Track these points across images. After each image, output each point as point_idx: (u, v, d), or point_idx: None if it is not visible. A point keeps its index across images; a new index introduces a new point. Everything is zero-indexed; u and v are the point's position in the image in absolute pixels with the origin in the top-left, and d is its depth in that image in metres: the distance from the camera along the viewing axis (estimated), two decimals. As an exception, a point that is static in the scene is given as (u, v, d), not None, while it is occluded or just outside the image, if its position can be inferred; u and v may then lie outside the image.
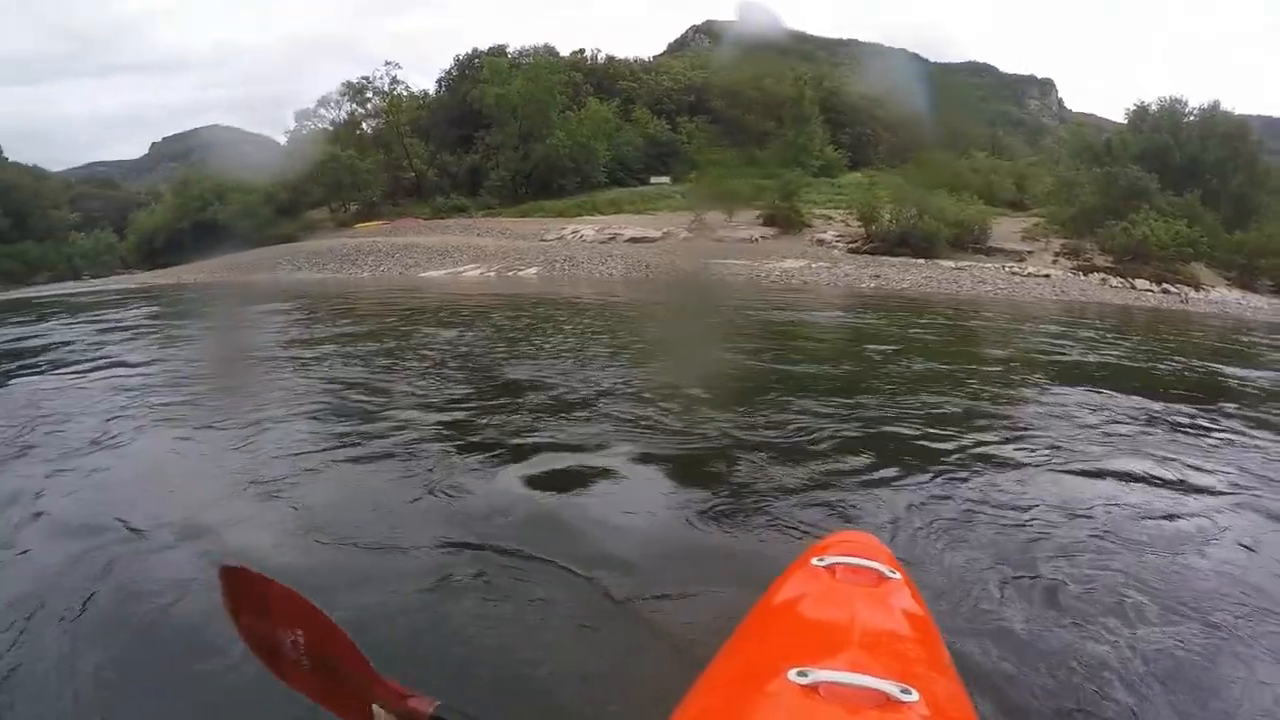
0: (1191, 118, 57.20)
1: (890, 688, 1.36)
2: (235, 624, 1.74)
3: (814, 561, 2.08)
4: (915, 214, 41.87)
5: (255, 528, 4.16)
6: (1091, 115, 79.76)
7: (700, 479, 5.03)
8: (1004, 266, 38.51)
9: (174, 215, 64.46)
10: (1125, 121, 61.38)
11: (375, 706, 1.52)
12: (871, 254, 39.44)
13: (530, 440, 5.82)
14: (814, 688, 1.38)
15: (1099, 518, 4.47)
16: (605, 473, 5.14)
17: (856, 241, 42.06)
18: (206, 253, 44.75)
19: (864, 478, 5.06)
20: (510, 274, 32.27)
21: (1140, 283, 39.21)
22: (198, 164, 73.07)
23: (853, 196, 49.29)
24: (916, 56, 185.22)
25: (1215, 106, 57.26)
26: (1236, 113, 57.51)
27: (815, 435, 6.11)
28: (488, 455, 5.49)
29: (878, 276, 31.57)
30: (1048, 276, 37.69)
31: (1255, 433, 7.06)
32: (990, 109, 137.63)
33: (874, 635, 1.68)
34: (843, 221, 46.17)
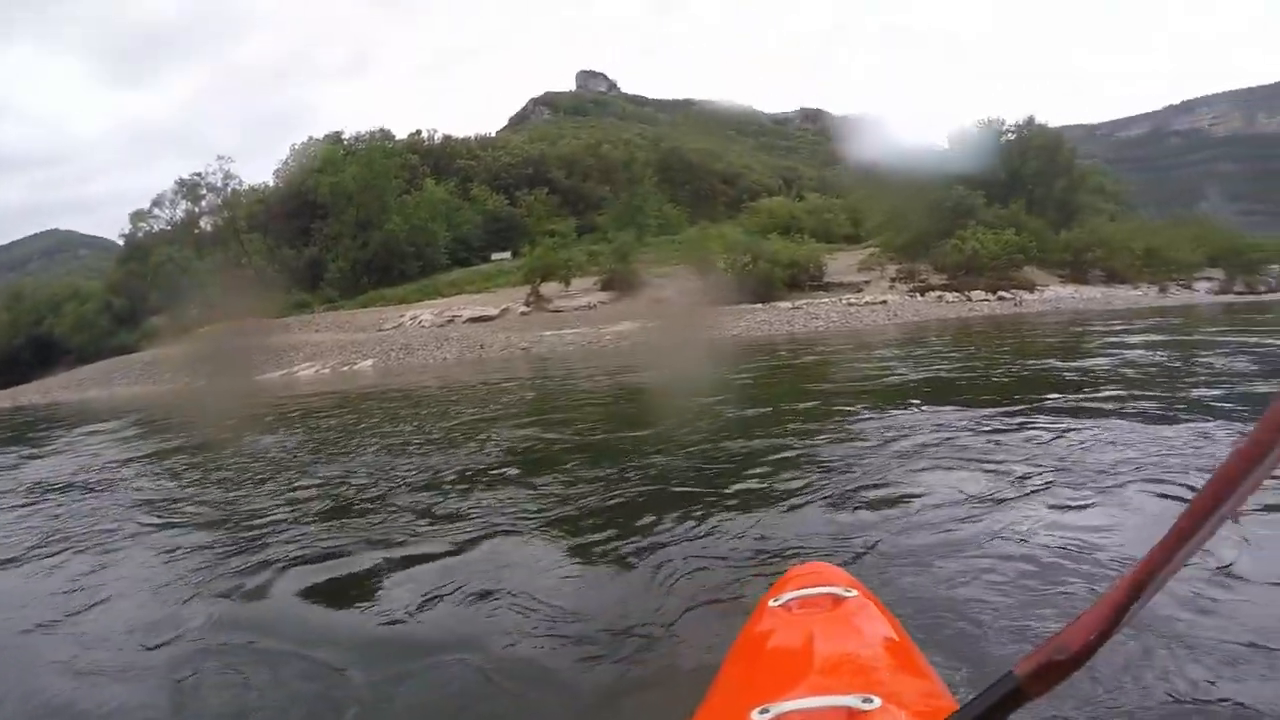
0: (1010, 135, 60.14)
1: (851, 701, 1.32)
2: None
3: (771, 603, 1.97)
4: (749, 260, 41.74)
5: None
6: (928, 144, 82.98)
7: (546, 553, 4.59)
8: (841, 299, 38.38)
9: (8, 331, 61.06)
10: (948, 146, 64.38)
11: None
12: (711, 305, 39.02)
13: (312, 549, 5.07)
14: None
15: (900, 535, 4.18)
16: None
17: (695, 296, 41.71)
18: (46, 369, 42.87)
19: (621, 546, 4.55)
20: (346, 369, 30.60)
21: (976, 294, 39.73)
22: (34, 273, 69.49)
23: (688, 251, 49.17)
24: (751, 109, 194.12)
25: (1030, 121, 60.50)
26: (1051, 125, 60.92)
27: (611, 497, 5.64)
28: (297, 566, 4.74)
29: (711, 326, 30.92)
30: (884, 302, 37.57)
31: (1074, 421, 6.98)
32: (824, 149, 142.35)
33: (833, 657, 1.60)
34: (682, 277, 45.92)
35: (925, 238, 45.69)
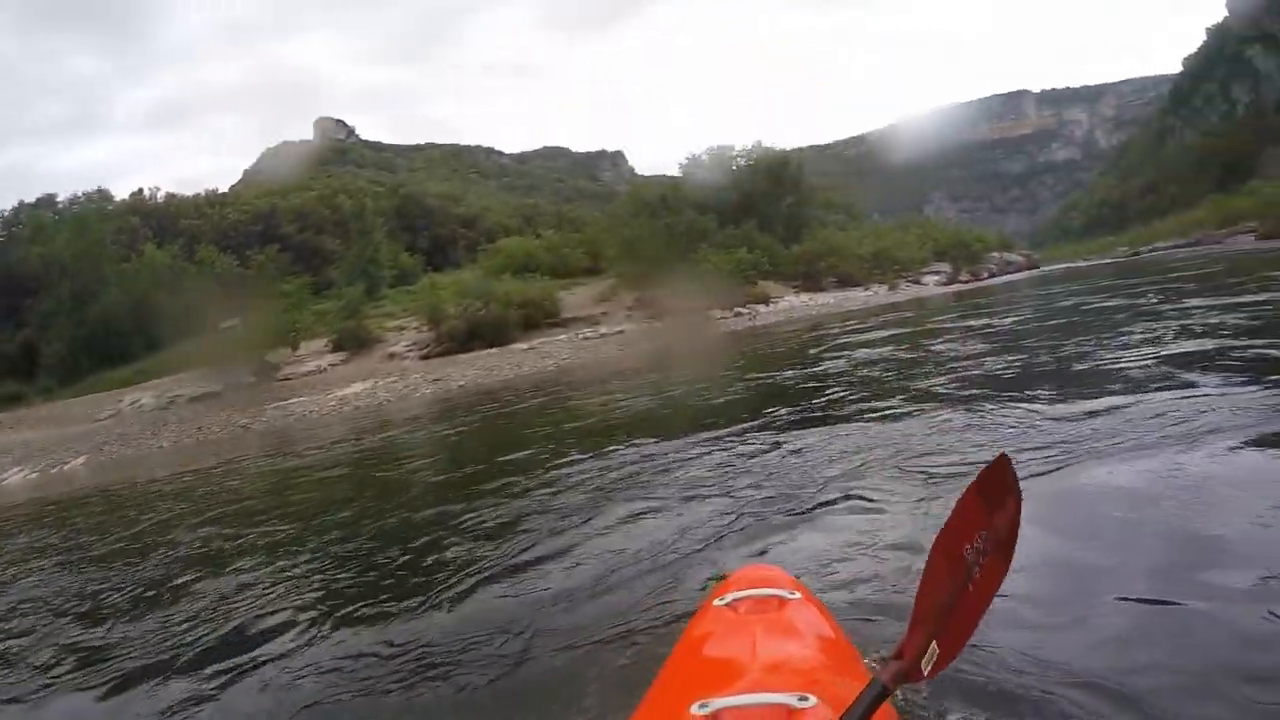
0: (740, 160, 61.78)
1: (788, 699, 1.38)
2: None
3: (716, 602, 2.05)
4: (480, 304, 39.57)
5: None
6: (663, 175, 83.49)
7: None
8: (577, 334, 36.55)
9: None
10: (681, 174, 65.10)
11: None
12: (444, 355, 36.26)
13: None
14: (715, 716, 1.40)
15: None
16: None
17: (428, 346, 38.84)
18: None
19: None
20: (55, 470, 25.97)
21: (714, 313, 38.94)
22: None
23: (418, 301, 46.43)
24: (492, 150, 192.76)
25: (759, 145, 62.30)
26: (779, 147, 62.78)
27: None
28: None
29: (438, 380, 28.31)
30: (621, 332, 35.99)
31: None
32: (566, 186, 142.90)
33: (774, 656, 1.68)
34: (415, 329, 42.83)
35: (662, 264, 44.90)
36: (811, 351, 16.92)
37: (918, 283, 53.49)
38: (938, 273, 57.50)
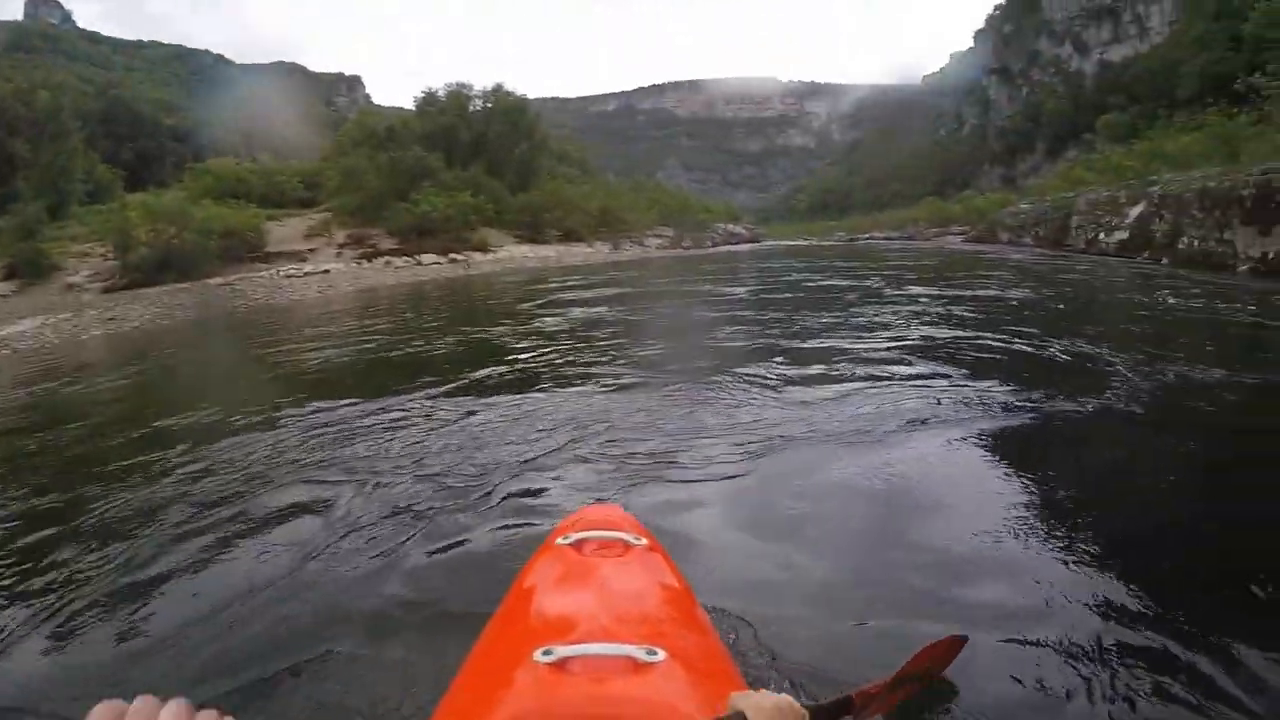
0: (478, 100, 59.37)
1: (636, 651, 1.36)
2: None
3: (559, 541, 1.98)
4: (175, 232, 35.37)
5: None
6: (400, 108, 79.28)
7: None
8: (278, 271, 33.61)
9: None
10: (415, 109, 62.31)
11: None
12: (130, 288, 31.63)
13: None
14: (560, 664, 1.35)
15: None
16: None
17: (112, 278, 34.24)
18: None
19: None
20: None
21: (427, 257, 37.01)
22: None
23: (104, 224, 40.80)
24: (222, 59, 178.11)
25: (499, 88, 59.66)
26: (520, 92, 60.87)
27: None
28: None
29: (113, 319, 24.17)
30: (326, 272, 33.35)
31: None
32: (296, 108, 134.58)
33: (620, 603, 1.65)
34: (101, 256, 37.79)
35: (381, 200, 42.53)
36: (525, 306, 16.50)
37: (641, 244, 53.60)
38: (662, 236, 57.96)
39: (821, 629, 2.74)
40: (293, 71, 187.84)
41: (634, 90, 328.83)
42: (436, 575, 3.37)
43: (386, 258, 36.50)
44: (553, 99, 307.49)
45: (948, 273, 21.71)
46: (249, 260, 35.74)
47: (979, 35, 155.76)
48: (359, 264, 35.58)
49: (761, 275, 23.75)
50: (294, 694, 2.59)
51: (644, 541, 2.00)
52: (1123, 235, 22.28)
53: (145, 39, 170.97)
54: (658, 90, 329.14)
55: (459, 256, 38.01)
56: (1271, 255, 14.76)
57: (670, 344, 9.68)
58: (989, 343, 8.42)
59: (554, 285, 22.10)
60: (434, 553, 3.56)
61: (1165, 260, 18.72)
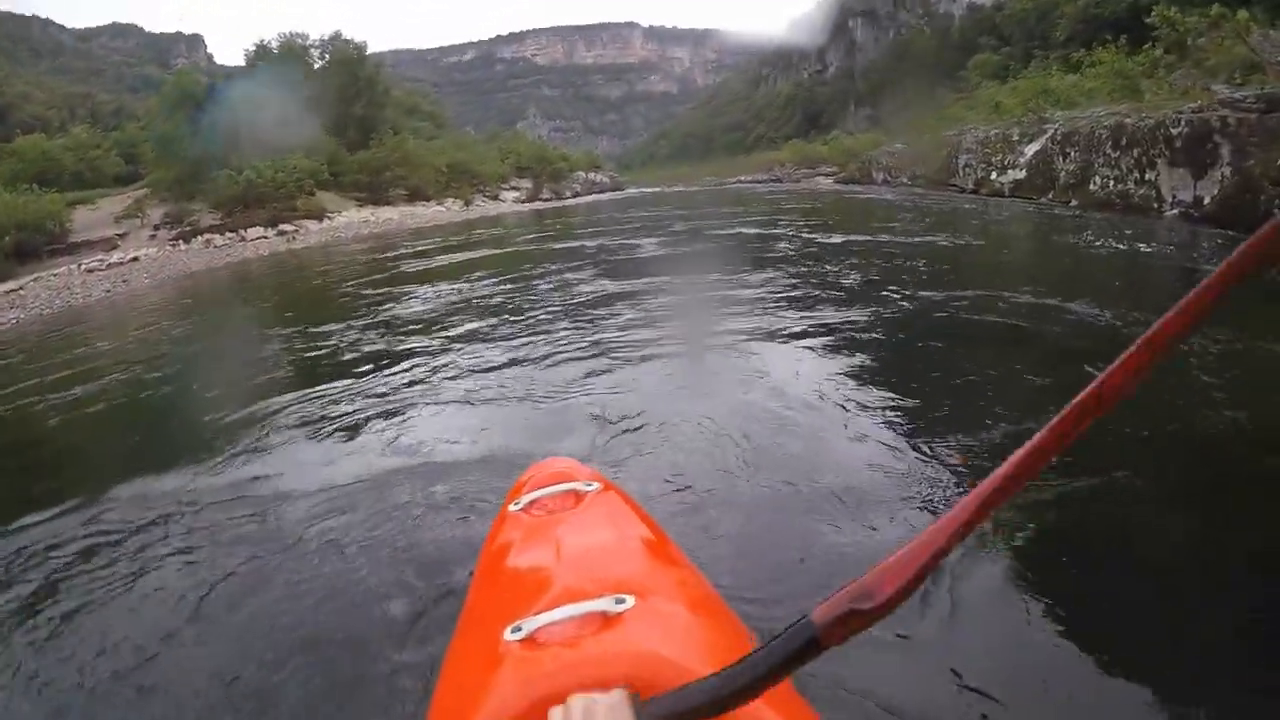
0: (315, 50, 54.94)
1: (604, 604, 1.31)
2: None
3: (511, 508, 1.96)
4: None
5: None
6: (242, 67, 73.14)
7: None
8: (79, 265, 28.86)
9: None
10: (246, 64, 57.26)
11: None
12: None
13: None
14: (532, 638, 1.30)
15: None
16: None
17: None
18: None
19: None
20: None
21: (252, 231, 33.17)
22: None
23: None
24: (50, 23, 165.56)
25: (337, 36, 55.30)
26: (359, 41, 56.40)
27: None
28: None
29: None
30: (135, 260, 29.10)
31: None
32: (132, 73, 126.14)
33: (580, 558, 1.60)
34: None
35: (201, 169, 37.86)
36: (351, 287, 14.36)
37: (495, 199, 50.73)
38: (518, 189, 55.02)
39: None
40: (128, 33, 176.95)
41: (493, 39, 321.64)
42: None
43: (206, 236, 32.47)
44: (406, 50, 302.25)
45: (838, 217, 20.80)
46: (48, 255, 31.03)
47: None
48: (174, 246, 31.34)
49: (634, 227, 21.45)
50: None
51: (595, 485, 1.93)
52: (1018, 175, 20.86)
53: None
54: (517, 39, 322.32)
55: (289, 227, 34.14)
56: (1208, 200, 12.89)
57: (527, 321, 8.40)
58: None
59: (392, 256, 19.85)
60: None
61: (1074, 202, 17.30)
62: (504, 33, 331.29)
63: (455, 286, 12.19)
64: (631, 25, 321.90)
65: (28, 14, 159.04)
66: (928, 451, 3.65)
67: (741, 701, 0.84)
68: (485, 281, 12.50)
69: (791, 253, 12.88)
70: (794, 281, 9.38)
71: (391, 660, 2.53)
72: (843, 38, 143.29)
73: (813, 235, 15.25)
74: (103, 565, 3.60)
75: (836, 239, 14.61)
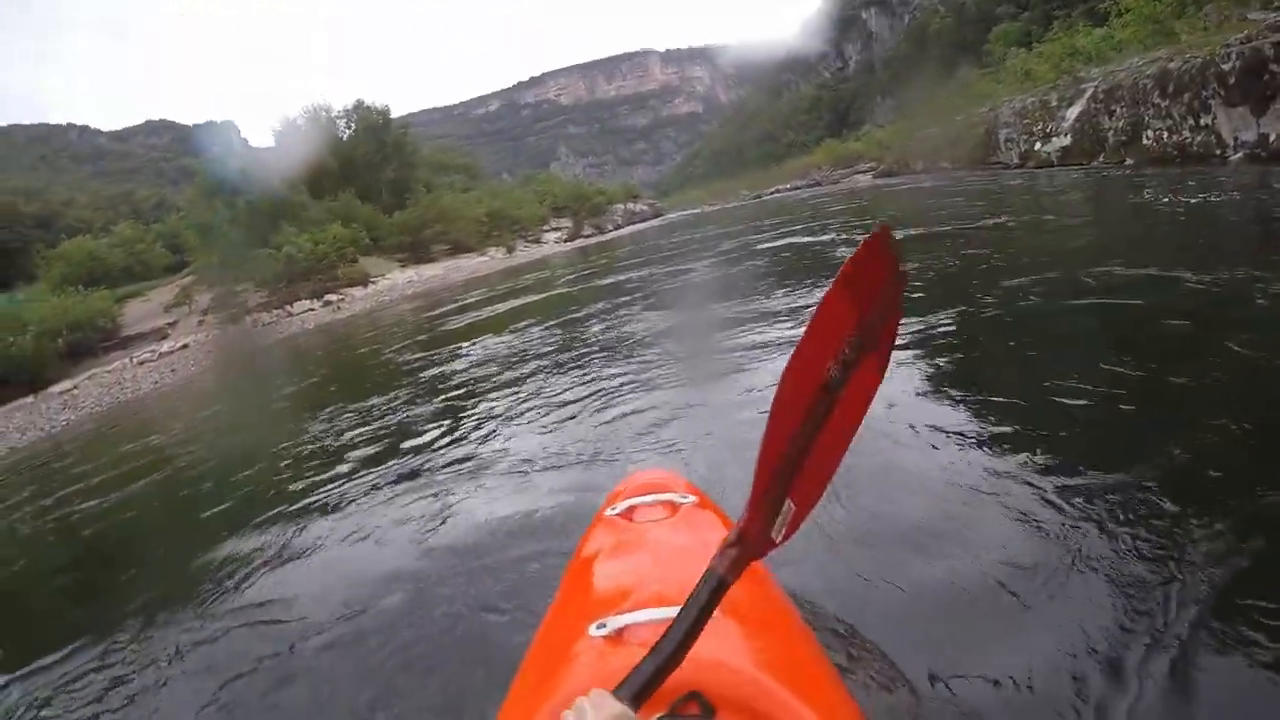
0: (340, 120, 54.94)
1: None
2: None
3: (608, 512, 2.00)
4: (9, 338, 29.38)
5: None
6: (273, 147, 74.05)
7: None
8: (132, 358, 28.92)
9: None
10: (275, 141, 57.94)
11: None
12: None
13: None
14: (616, 635, 1.35)
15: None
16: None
17: None
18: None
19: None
20: None
21: (299, 305, 33.02)
22: None
23: None
24: (86, 129, 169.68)
25: (360, 104, 55.37)
26: (381, 105, 56.48)
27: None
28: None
29: None
30: (185, 347, 29.33)
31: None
32: (171, 166, 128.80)
33: (670, 566, 1.63)
34: None
35: (243, 250, 38.08)
36: (395, 351, 13.62)
37: (538, 242, 50.34)
38: (559, 229, 54.77)
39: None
40: (163, 129, 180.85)
41: (514, 86, 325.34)
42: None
43: (254, 314, 32.42)
44: (434, 109, 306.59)
45: (885, 212, 20.03)
46: (103, 351, 31.39)
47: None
48: (224, 329, 31.47)
49: (673, 254, 20.78)
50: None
51: (692, 498, 1.96)
52: (1064, 142, 19.86)
53: (3, 123, 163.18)
54: (538, 82, 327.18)
55: (334, 297, 34.07)
56: (1274, 136, 11.95)
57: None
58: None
59: (438, 313, 18.93)
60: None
61: (1129, 161, 16.14)
62: (524, 78, 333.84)
63: (502, 340, 11.37)
64: (648, 52, 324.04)
65: (63, 123, 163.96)
66: (1016, 474, 3.17)
67: (692, 641, 1.10)
68: (535, 330, 11.66)
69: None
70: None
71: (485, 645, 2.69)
72: (858, 31, 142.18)
73: (863, 234, 14.31)
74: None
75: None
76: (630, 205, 71.45)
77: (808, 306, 7.81)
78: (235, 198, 42.36)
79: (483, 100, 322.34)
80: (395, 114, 57.43)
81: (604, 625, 1.35)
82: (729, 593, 1.24)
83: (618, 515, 1.94)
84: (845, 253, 12.42)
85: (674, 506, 1.93)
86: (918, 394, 4.49)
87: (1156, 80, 15.02)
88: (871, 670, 2.16)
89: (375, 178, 50.58)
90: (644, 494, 2.01)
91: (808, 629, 1.63)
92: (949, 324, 6.04)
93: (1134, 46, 21.63)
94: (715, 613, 1.18)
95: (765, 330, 7.13)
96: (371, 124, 54.39)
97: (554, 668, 1.36)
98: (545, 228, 54.88)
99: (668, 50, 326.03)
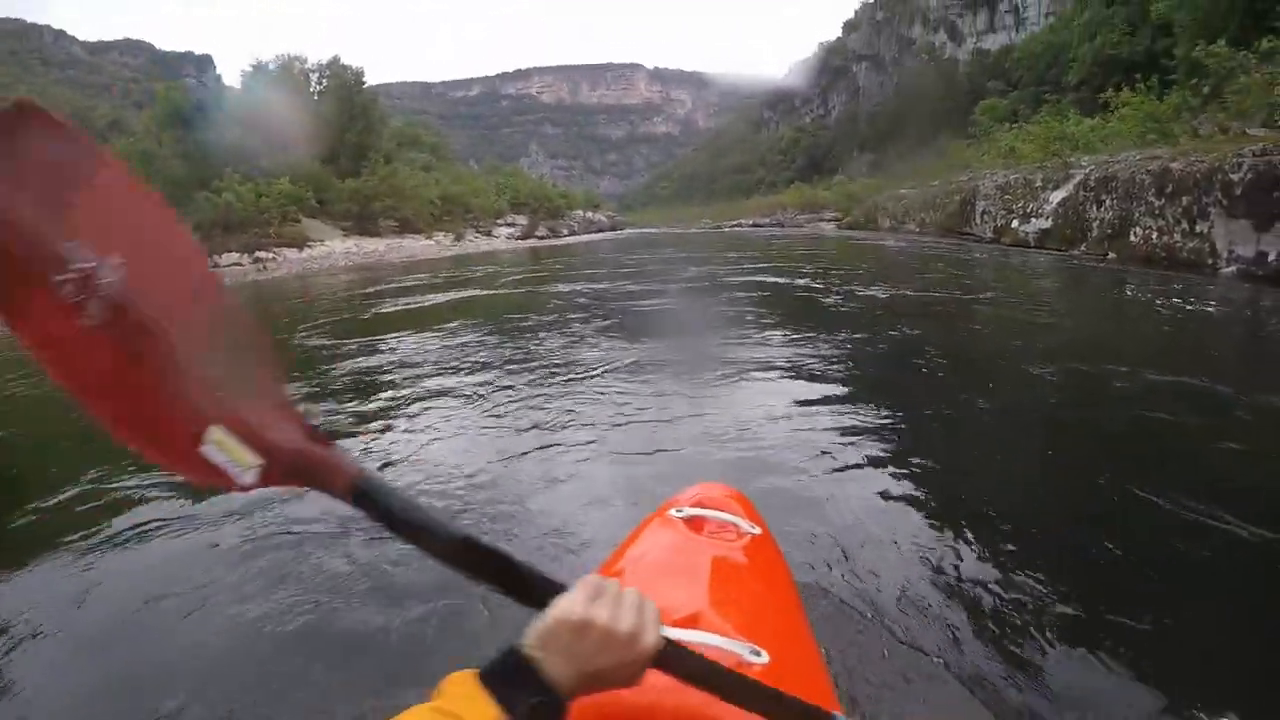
0: (313, 74, 53.75)
1: (740, 648, 1.30)
2: None
3: (672, 512, 1.91)
4: None
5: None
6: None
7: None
8: None
9: None
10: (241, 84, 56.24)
11: (216, 430, 0.83)
12: None
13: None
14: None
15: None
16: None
17: None
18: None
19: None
20: None
21: (227, 257, 31.49)
22: None
23: None
24: (63, 35, 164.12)
25: (335, 61, 54.06)
26: (358, 67, 55.24)
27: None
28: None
29: None
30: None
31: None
32: (140, 88, 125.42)
33: (729, 593, 1.58)
34: None
35: (183, 190, 36.12)
36: (324, 339, 11.13)
37: (489, 235, 49.36)
38: (514, 225, 53.72)
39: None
40: (138, 49, 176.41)
41: (498, 75, 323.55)
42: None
43: (176, 262, 30.76)
44: (415, 83, 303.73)
45: (853, 268, 18.84)
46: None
47: (848, 25, 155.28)
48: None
49: (633, 270, 20.34)
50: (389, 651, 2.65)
51: (758, 530, 1.89)
52: (1044, 224, 19.27)
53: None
54: (523, 76, 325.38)
55: (265, 255, 32.45)
56: (1273, 256, 11.28)
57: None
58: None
59: (369, 293, 17.80)
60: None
61: (1111, 255, 15.56)
62: (509, 69, 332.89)
63: (433, 337, 10.09)
64: (636, 67, 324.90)
65: (40, 24, 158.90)
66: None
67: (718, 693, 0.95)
68: (469, 333, 10.32)
69: (819, 321, 10.75)
70: (818, 350, 7.83)
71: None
72: (847, 82, 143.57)
73: (839, 291, 13.35)
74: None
75: (862, 292, 13.07)
76: (590, 214, 71.13)
77: (793, 358, 7.36)
78: (189, 133, 40.55)
79: (465, 84, 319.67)
80: (375, 81, 56.00)
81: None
82: (791, 649, 1.36)
83: (682, 519, 1.84)
84: (832, 301, 11.72)
85: (739, 532, 1.83)
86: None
87: (1155, 178, 14.42)
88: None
89: (337, 140, 48.84)
90: (714, 509, 1.90)
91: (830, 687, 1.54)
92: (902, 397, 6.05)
93: (1131, 141, 21.35)
94: (783, 664, 1.25)
95: (725, 378, 6.56)
96: (344, 83, 52.86)
97: None
98: (500, 221, 53.81)
99: (656, 68, 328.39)
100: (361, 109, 52.47)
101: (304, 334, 11.34)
